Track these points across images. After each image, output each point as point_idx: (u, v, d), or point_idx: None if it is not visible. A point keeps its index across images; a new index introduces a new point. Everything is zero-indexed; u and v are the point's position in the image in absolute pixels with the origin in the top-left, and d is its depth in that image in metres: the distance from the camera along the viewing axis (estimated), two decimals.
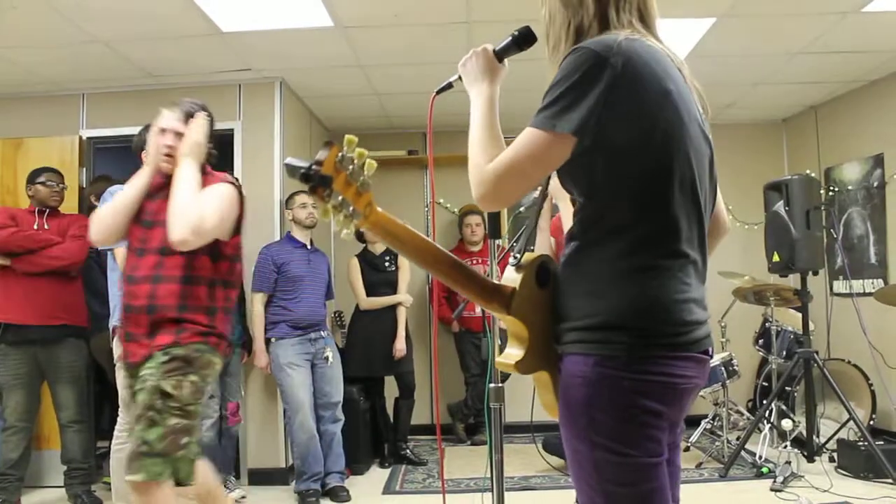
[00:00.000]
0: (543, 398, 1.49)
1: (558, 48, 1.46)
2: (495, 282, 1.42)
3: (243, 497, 4.22)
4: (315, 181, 1.17)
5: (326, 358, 4.40)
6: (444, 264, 1.37)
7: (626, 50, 1.31)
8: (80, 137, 4.76)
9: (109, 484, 3.61)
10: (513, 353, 1.40)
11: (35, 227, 3.97)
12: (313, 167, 1.17)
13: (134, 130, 3.67)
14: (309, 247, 4.50)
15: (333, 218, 1.22)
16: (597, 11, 1.42)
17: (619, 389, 1.29)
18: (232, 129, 4.77)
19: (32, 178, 4.06)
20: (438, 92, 1.70)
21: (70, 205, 4.46)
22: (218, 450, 4.22)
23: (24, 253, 3.86)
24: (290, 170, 1.18)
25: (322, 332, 4.43)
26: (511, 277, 1.42)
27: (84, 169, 4.75)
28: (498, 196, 1.37)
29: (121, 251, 3.41)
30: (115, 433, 3.41)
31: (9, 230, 3.83)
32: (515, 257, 1.44)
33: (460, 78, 1.61)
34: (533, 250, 1.53)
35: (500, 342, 1.82)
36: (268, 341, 4.33)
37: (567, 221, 3.17)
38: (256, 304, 4.34)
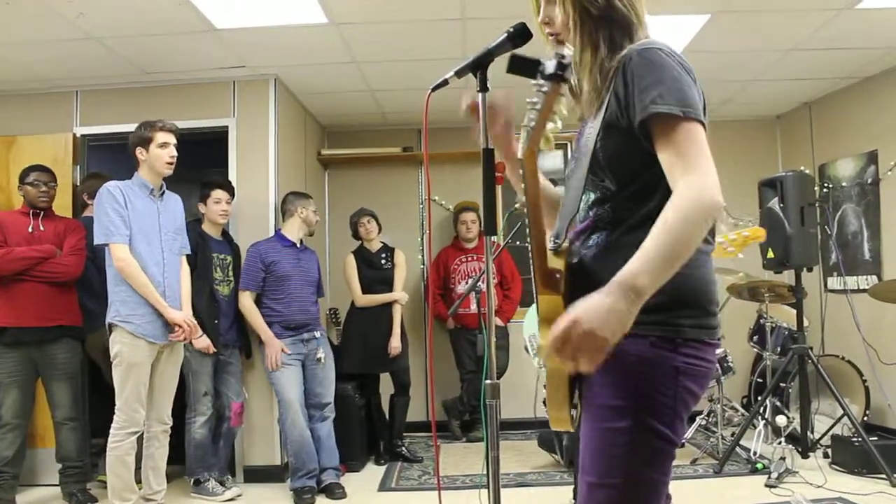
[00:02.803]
0: (560, 410, 1.45)
1: (591, 50, 1.45)
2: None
3: (239, 495, 4.22)
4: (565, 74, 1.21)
5: (319, 359, 4.38)
6: (540, 220, 1.38)
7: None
8: (74, 135, 4.74)
9: (105, 482, 3.60)
10: None
11: (30, 229, 3.95)
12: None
13: (128, 128, 3.68)
14: (298, 245, 4.47)
15: (551, 120, 1.25)
16: (632, 15, 1.44)
17: (672, 371, 1.32)
18: (226, 127, 4.77)
19: (22, 178, 4.02)
20: (434, 89, 1.69)
21: (64, 203, 4.45)
22: (209, 447, 4.22)
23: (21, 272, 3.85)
24: (527, 63, 1.20)
25: (315, 333, 4.41)
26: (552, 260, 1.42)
27: (78, 167, 4.72)
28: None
29: (117, 247, 3.40)
30: (111, 431, 3.41)
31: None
32: (555, 242, 1.45)
33: (456, 75, 1.60)
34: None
35: (495, 339, 1.81)
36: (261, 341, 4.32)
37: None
38: (246, 301, 4.31)
